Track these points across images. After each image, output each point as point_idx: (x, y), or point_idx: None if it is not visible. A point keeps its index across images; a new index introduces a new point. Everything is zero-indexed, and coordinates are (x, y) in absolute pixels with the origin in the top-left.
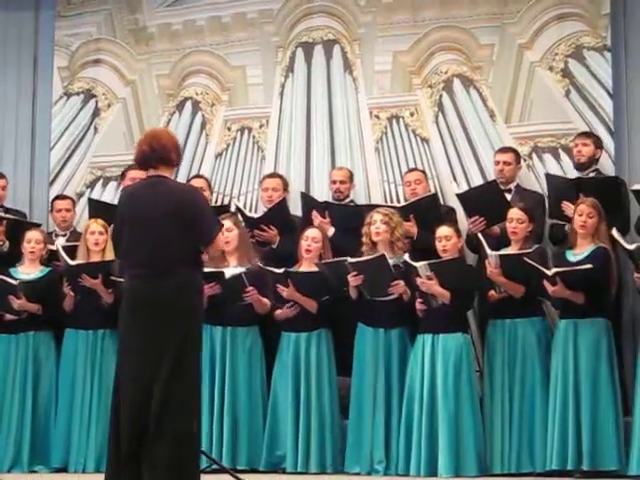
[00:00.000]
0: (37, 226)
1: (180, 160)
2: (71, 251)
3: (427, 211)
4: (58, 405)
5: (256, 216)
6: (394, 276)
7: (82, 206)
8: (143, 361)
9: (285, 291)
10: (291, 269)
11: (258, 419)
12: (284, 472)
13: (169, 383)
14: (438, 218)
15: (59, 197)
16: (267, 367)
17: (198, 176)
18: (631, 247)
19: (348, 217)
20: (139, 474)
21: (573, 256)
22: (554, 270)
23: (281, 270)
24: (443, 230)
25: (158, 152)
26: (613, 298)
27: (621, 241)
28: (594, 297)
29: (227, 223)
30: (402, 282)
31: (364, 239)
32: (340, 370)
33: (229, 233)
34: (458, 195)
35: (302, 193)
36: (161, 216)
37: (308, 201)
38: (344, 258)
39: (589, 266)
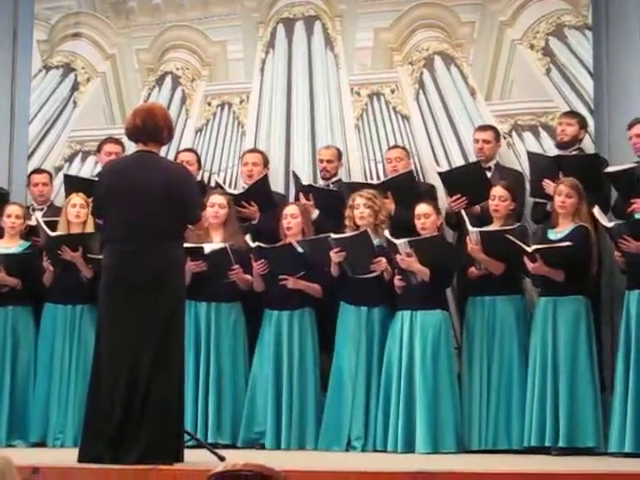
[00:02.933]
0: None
1: (170, 139)
2: (50, 226)
3: (404, 188)
4: (36, 380)
5: (236, 192)
6: (376, 253)
7: (60, 180)
8: (126, 337)
9: (290, 281)
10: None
11: (242, 395)
12: (262, 448)
13: (154, 361)
14: (416, 194)
15: (36, 171)
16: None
17: (187, 149)
18: (609, 225)
19: (329, 200)
20: (117, 451)
21: (554, 235)
22: (534, 247)
23: (254, 244)
24: (422, 208)
25: (149, 128)
26: (594, 276)
27: (600, 219)
28: (574, 275)
29: (220, 199)
30: (384, 259)
31: (347, 222)
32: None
33: (220, 209)
34: (440, 174)
35: (293, 173)
36: (150, 191)
37: (296, 183)
38: (327, 234)
39: (568, 243)
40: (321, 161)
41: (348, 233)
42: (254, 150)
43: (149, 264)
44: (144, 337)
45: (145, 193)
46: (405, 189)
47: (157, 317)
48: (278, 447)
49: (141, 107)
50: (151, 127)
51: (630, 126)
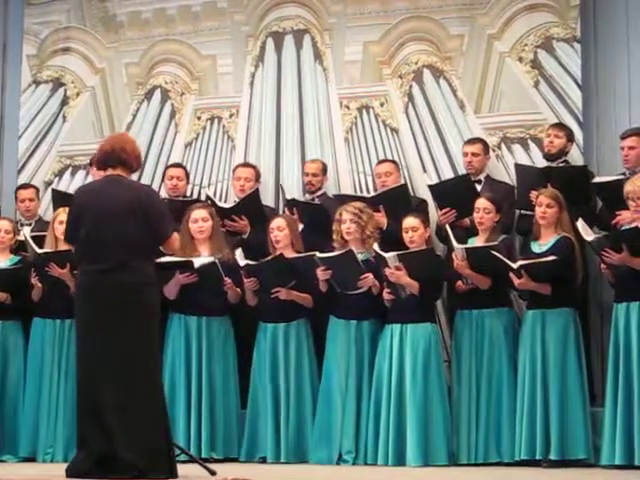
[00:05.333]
0: None
1: (139, 167)
2: (39, 241)
3: (397, 202)
4: (25, 394)
5: (227, 206)
6: (362, 270)
7: (50, 195)
8: (100, 356)
9: (282, 293)
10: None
11: (233, 409)
12: (264, 462)
13: (130, 379)
14: (408, 209)
15: (22, 186)
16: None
17: (175, 165)
18: (589, 238)
19: (313, 214)
20: (108, 468)
21: (538, 247)
22: (519, 263)
23: (243, 263)
24: (409, 221)
25: (117, 152)
26: (579, 287)
27: (583, 233)
28: (560, 287)
29: (202, 213)
30: (371, 275)
31: (335, 236)
32: None
33: (204, 223)
34: (430, 187)
35: (280, 187)
36: (118, 212)
37: (282, 196)
38: (312, 253)
39: (553, 258)
40: (306, 175)
41: (333, 253)
42: (247, 165)
43: (120, 282)
44: (119, 357)
45: (113, 212)
46: (398, 203)
47: (131, 335)
48: (279, 460)
49: (110, 136)
50: (119, 151)
51: (623, 137)
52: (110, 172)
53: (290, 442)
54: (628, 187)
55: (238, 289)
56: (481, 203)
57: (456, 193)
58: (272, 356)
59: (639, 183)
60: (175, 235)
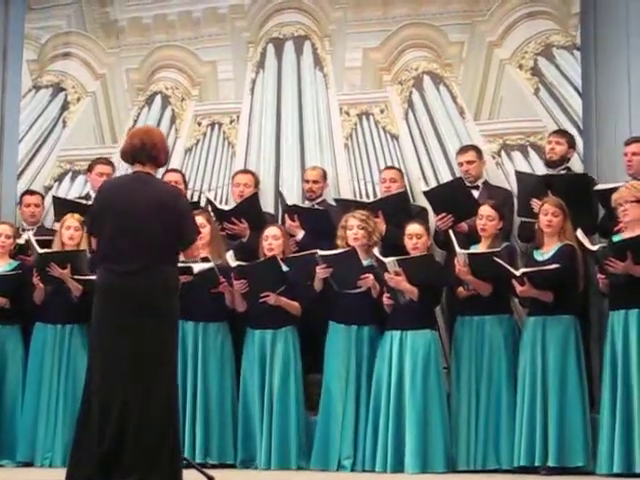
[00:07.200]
0: None
1: (166, 162)
2: (41, 245)
3: (396, 208)
4: (24, 399)
5: (227, 208)
6: (364, 270)
7: (50, 200)
8: (118, 360)
9: (271, 298)
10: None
11: (228, 414)
12: (256, 468)
13: (147, 384)
14: (407, 215)
15: (28, 192)
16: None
17: (173, 170)
18: (594, 248)
19: (316, 220)
20: (111, 475)
21: (540, 255)
22: (522, 271)
23: (234, 264)
24: (414, 228)
25: (148, 148)
26: (581, 294)
27: (585, 242)
28: (561, 294)
29: (199, 219)
30: (371, 275)
31: (339, 242)
32: (311, 367)
33: (202, 229)
34: (425, 192)
35: (279, 193)
36: (146, 213)
37: (281, 202)
38: (314, 251)
39: (556, 266)
40: (307, 181)
41: (335, 250)
42: (246, 171)
43: (143, 286)
44: (137, 360)
45: (141, 214)
46: (397, 209)
47: (150, 339)
48: (268, 467)
49: (138, 129)
50: (150, 147)
51: (627, 143)
52: (138, 168)
53: (276, 449)
54: (615, 195)
55: (232, 289)
56: (485, 210)
57: (451, 197)
58: (260, 363)
59: (624, 189)
60: (197, 241)
